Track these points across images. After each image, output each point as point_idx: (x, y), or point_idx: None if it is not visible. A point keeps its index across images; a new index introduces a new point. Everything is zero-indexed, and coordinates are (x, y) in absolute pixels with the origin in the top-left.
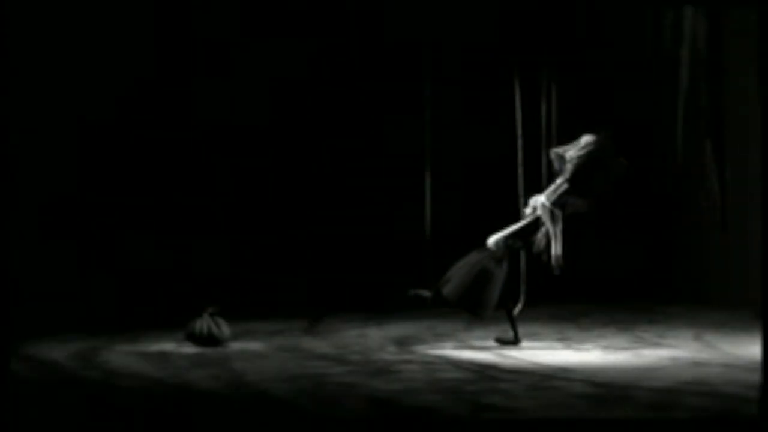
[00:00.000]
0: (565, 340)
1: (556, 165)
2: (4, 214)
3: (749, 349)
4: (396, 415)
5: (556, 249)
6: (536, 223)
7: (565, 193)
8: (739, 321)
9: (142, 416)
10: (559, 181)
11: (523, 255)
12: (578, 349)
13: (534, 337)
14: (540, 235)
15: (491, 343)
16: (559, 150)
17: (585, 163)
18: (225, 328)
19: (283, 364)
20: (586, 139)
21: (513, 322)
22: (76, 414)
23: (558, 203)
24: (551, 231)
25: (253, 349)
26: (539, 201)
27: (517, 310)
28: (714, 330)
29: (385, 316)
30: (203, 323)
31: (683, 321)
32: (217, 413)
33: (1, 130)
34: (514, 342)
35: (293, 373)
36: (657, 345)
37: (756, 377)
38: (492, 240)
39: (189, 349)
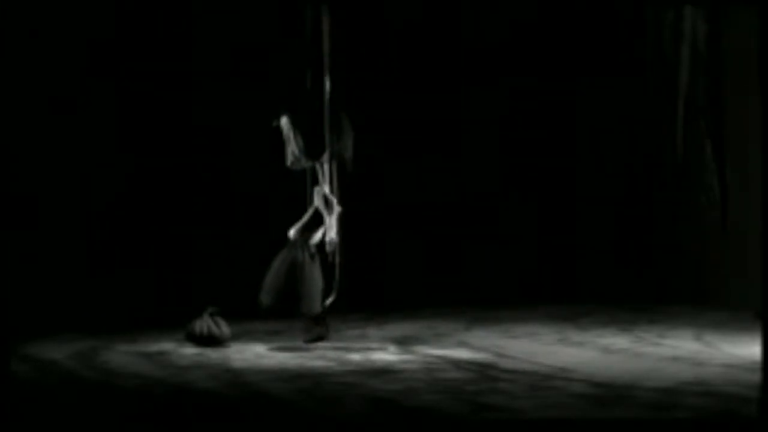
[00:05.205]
0: (565, 340)
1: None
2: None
3: (749, 349)
4: (396, 415)
5: (330, 234)
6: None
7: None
8: (739, 321)
9: (142, 416)
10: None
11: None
12: (578, 349)
13: (534, 337)
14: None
15: (491, 343)
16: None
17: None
18: (225, 328)
19: (283, 364)
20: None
21: (321, 318)
22: (76, 414)
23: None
24: (326, 217)
25: (253, 349)
26: (316, 190)
27: (328, 302)
28: (714, 330)
29: (385, 316)
30: (203, 323)
31: (683, 321)
32: (217, 413)
33: None
34: (321, 337)
35: (293, 373)
36: (657, 345)
37: (756, 377)
38: (292, 232)
39: (189, 349)
